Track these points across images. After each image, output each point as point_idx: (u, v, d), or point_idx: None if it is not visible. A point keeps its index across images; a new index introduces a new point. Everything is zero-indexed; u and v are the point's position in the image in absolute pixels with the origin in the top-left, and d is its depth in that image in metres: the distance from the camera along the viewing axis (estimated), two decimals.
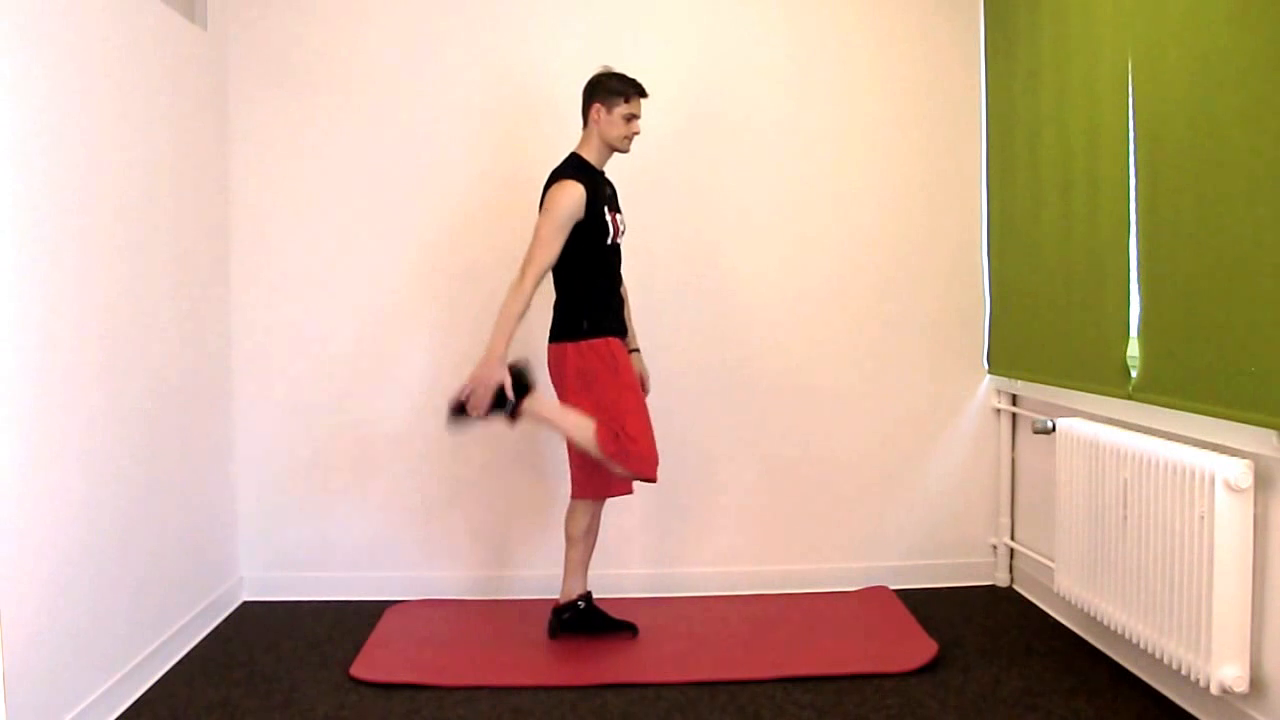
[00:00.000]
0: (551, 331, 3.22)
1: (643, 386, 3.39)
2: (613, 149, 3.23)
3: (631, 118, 3.19)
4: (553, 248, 3.09)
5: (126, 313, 2.92)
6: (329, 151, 3.75)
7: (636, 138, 3.25)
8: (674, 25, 3.79)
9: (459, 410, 3.09)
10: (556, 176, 3.16)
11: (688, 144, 3.79)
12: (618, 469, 3.14)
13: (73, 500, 2.62)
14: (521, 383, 3.11)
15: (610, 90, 3.17)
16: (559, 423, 3.14)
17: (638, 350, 3.47)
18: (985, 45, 3.81)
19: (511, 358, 3.08)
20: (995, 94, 3.75)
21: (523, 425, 3.31)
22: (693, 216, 3.80)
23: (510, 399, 3.06)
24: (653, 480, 3.18)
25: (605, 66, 3.24)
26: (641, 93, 3.20)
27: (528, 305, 3.06)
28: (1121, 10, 2.85)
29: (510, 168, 3.73)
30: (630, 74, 3.23)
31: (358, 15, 3.74)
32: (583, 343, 3.16)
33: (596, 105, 3.18)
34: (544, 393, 3.19)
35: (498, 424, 3.25)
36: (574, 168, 3.18)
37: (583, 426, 3.11)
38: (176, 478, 3.26)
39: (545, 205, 3.12)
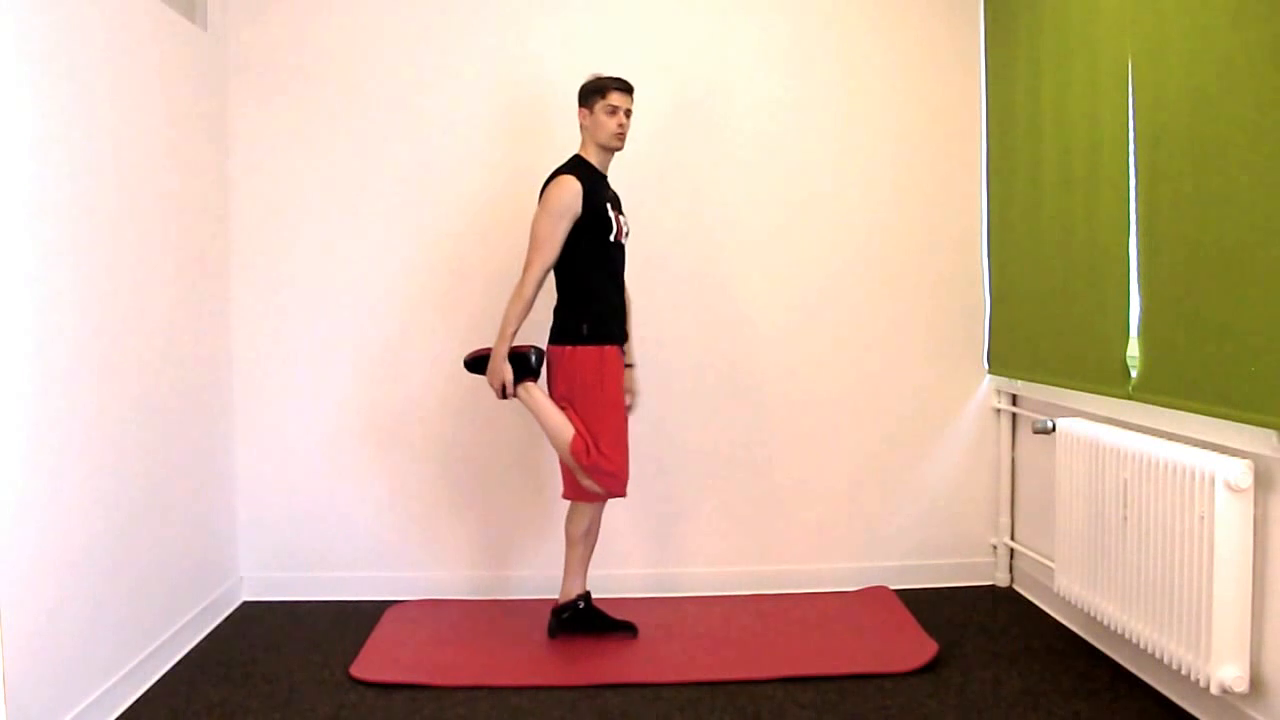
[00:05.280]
0: (551, 333, 3.22)
1: (633, 399, 3.45)
2: (607, 149, 3.23)
3: (614, 110, 3.19)
4: (550, 246, 3.11)
5: (126, 313, 2.92)
6: (329, 151, 3.75)
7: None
8: (673, 25, 3.78)
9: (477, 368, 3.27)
10: (555, 174, 3.18)
11: (686, 144, 3.78)
12: (585, 480, 3.16)
13: (73, 501, 2.62)
14: (526, 366, 3.18)
15: (589, 91, 3.21)
16: (543, 418, 3.17)
17: (631, 366, 3.47)
18: (985, 45, 3.81)
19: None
20: (995, 94, 3.75)
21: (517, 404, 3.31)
22: (692, 217, 3.80)
23: (530, 371, 3.19)
24: (621, 496, 3.22)
25: (592, 74, 3.26)
26: (622, 86, 3.20)
27: (529, 307, 3.12)
28: (1121, 10, 2.85)
29: (509, 166, 3.73)
30: (625, 73, 3.23)
31: (357, 15, 3.74)
32: (579, 349, 3.16)
33: (581, 110, 3.23)
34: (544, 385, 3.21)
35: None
36: (572, 166, 3.19)
37: (562, 430, 3.14)
38: (176, 478, 3.26)
39: (541, 202, 3.14)
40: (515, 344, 3.19)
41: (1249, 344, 2.34)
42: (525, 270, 3.11)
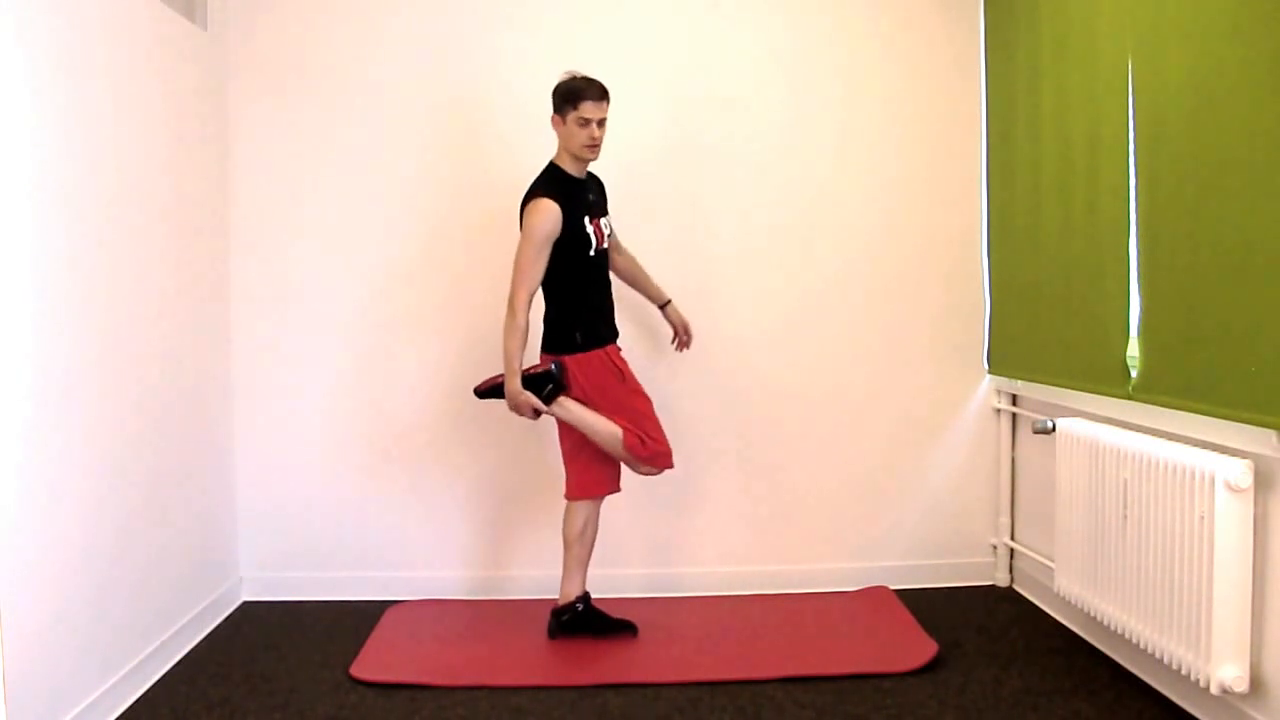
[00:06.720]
0: (543, 343, 3.23)
1: (686, 333, 3.53)
2: (581, 160, 3.16)
3: (586, 123, 3.06)
4: (534, 273, 3.09)
5: (126, 313, 2.92)
6: (328, 151, 3.75)
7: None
8: (670, 24, 3.78)
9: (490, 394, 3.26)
10: (531, 195, 3.12)
11: (685, 143, 3.78)
12: (642, 468, 3.26)
13: (73, 500, 2.62)
14: (551, 382, 3.16)
15: (562, 97, 3.10)
16: (588, 427, 3.18)
17: (670, 302, 3.53)
18: (985, 45, 3.81)
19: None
20: (995, 94, 3.75)
21: (550, 418, 3.29)
22: (691, 217, 3.80)
23: (550, 387, 3.16)
24: (672, 467, 3.33)
25: (567, 72, 3.17)
26: (597, 94, 3.07)
27: (525, 334, 3.10)
28: (1121, 10, 2.85)
29: (508, 167, 3.70)
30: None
31: (358, 16, 3.74)
32: (580, 356, 3.18)
33: (554, 117, 3.14)
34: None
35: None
36: (547, 182, 3.14)
37: (611, 430, 3.17)
38: (177, 477, 3.26)
39: (522, 229, 3.10)
40: (527, 366, 3.17)
41: (1249, 344, 2.34)
42: (512, 299, 3.07)
